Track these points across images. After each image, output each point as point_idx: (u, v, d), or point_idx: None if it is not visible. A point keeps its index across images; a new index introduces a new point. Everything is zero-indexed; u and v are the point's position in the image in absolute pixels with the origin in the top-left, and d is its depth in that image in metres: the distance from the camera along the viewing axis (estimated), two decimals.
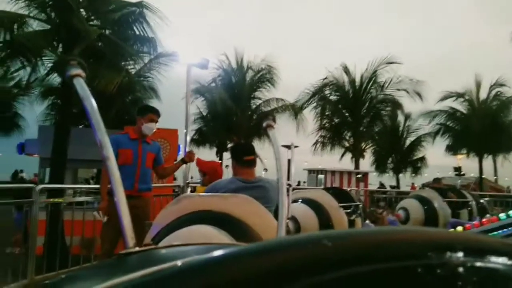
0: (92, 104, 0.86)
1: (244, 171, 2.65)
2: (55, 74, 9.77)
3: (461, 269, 0.40)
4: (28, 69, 9.13)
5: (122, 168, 3.43)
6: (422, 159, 21.83)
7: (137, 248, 0.74)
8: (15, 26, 8.53)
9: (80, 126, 12.35)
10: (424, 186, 17.81)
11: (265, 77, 18.09)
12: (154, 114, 3.79)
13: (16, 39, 8.10)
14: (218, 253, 0.43)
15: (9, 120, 18.69)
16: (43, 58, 9.01)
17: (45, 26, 8.87)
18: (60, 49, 8.73)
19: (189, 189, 4.63)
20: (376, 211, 5.83)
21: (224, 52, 18.20)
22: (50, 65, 9.28)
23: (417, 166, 21.95)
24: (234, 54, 18.31)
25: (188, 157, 3.94)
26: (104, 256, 3.58)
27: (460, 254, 0.41)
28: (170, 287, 0.40)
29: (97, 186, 3.96)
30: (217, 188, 2.54)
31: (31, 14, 8.75)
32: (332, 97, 19.14)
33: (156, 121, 3.81)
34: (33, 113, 16.16)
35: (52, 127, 10.03)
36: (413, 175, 22.42)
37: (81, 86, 0.87)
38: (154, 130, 3.79)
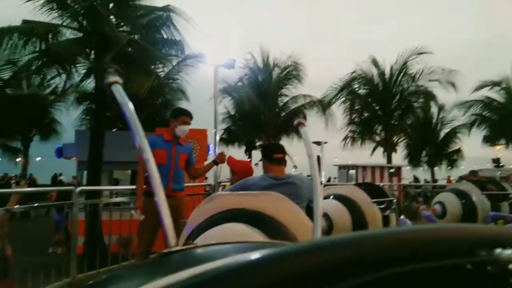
0: (130, 109, 0.89)
1: (274, 168, 2.73)
2: (89, 80, 10.13)
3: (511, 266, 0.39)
4: (63, 76, 9.50)
5: (158, 168, 3.59)
6: (458, 151, 21.07)
7: (178, 247, 0.76)
8: (50, 36, 8.90)
9: (114, 130, 12.74)
10: (460, 179, 17.21)
11: (291, 74, 18.01)
12: (187, 116, 3.91)
13: (51, 48, 8.44)
14: (263, 253, 0.43)
15: (47, 126, 19.54)
16: (77, 65, 9.36)
17: (77, 34, 9.20)
18: (92, 56, 9.02)
19: (220, 188, 4.70)
20: (412, 206, 5.68)
21: (249, 51, 18.26)
22: (83, 71, 9.64)
23: (452, 158, 21.23)
24: (260, 53, 18.35)
25: (220, 159, 4.03)
26: (142, 254, 3.69)
27: (511, 251, 0.40)
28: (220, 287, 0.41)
29: (132, 187, 4.08)
30: (248, 185, 2.61)
31: (64, 23, 9.10)
32: (361, 91, 18.79)
33: (189, 123, 3.92)
34: (69, 118, 16.81)
35: (87, 131, 10.39)
36: (449, 168, 21.70)
37: (119, 92, 0.91)
38: (187, 132, 3.91)
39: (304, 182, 2.76)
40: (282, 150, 2.89)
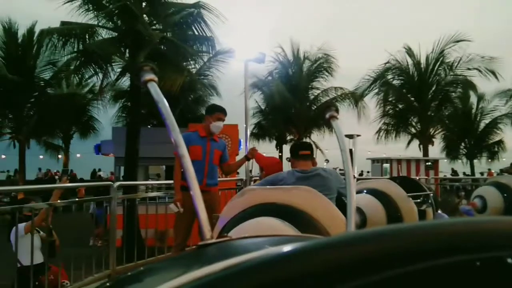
0: (166, 106, 0.92)
1: (300, 163, 2.89)
2: (124, 78, 10.43)
3: None
4: (100, 75, 9.82)
5: (193, 163, 3.66)
6: (499, 142, 20.07)
7: (214, 240, 0.78)
8: (87, 36, 9.23)
9: (148, 126, 13.08)
10: (502, 171, 16.41)
11: (322, 66, 17.75)
12: (221, 113, 3.97)
13: (88, 48, 8.75)
14: (295, 245, 0.44)
15: (86, 124, 20.35)
16: (113, 64, 9.67)
17: (112, 34, 9.49)
18: (127, 55, 9.28)
19: (252, 183, 4.73)
20: (452, 201, 5.48)
21: (279, 45, 18.14)
22: (119, 70, 9.94)
23: (493, 150, 20.25)
24: (290, 46, 18.20)
25: (251, 154, 4.08)
26: (178, 247, 3.78)
27: None
28: (254, 278, 0.41)
29: (167, 182, 4.19)
30: (277, 180, 2.72)
31: (100, 24, 9.41)
32: (395, 82, 18.26)
33: (223, 120, 3.98)
34: (106, 116, 17.43)
35: (124, 128, 10.71)
36: (490, 160, 20.73)
37: (155, 90, 0.93)
38: (221, 128, 3.98)
39: (331, 173, 2.87)
40: (308, 147, 3.09)
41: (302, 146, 3.12)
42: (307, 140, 18.09)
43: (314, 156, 3.33)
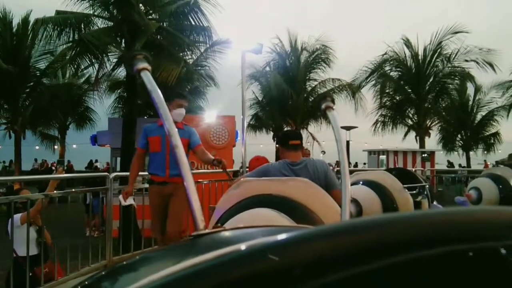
0: (159, 96, 0.91)
1: (290, 154, 2.81)
2: (120, 69, 10.36)
3: None
4: (96, 65, 9.75)
5: (153, 155, 3.60)
6: (495, 134, 20.16)
7: (207, 230, 0.78)
8: (82, 26, 9.14)
9: (145, 117, 13.02)
10: (498, 163, 16.50)
11: (320, 57, 17.67)
12: (181, 99, 3.74)
13: (84, 38, 8.66)
14: (288, 234, 0.44)
15: (82, 114, 20.26)
16: (109, 54, 9.59)
17: (108, 24, 9.39)
18: (123, 45, 9.20)
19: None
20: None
21: (276, 35, 18.04)
22: (115, 60, 9.86)
23: (489, 142, 20.35)
24: (287, 37, 18.10)
25: (218, 161, 3.62)
26: (162, 242, 3.71)
27: None
28: (243, 268, 0.41)
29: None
30: (267, 170, 2.69)
31: (95, 13, 9.31)
32: (393, 73, 18.26)
33: (184, 106, 3.70)
34: (103, 106, 17.33)
35: (120, 119, 10.66)
36: (485, 152, 20.84)
37: (148, 79, 0.92)
38: (183, 115, 3.70)
39: (321, 164, 2.80)
40: (298, 136, 2.98)
41: (292, 136, 2.97)
42: (304, 131, 18.11)
43: (311, 148, 3.31)
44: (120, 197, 3.64)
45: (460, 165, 19.98)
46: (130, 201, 3.58)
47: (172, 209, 3.60)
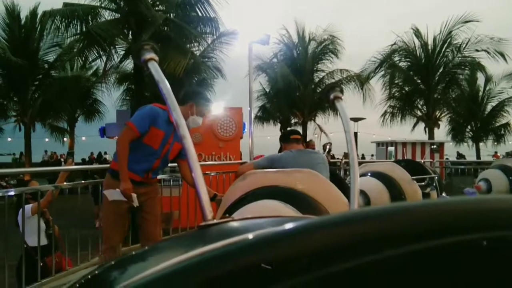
0: (166, 86, 0.91)
1: (293, 146, 3.05)
2: (128, 61, 10.38)
3: None
4: (104, 57, 9.78)
5: (144, 148, 2.86)
6: (506, 125, 19.91)
7: (215, 221, 0.78)
8: (90, 18, 9.16)
9: None
10: (508, 154, 16.33)
11: (328, 48, 17.53)
12: (207, 107, 3.11)
13: (92, 30, 8.69)
14: (294, 224, 0.44)
15: (90, 107, 20.40)
16: (116, 46, 9.61)
17: (115, 16, 9.40)
18: (130, 37, 9.21)
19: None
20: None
21: (284, 26, 17.90)
22: (122, 52, 9.89)
23: (500, 133, 20.11)
24: (295, 27, 17.95)
25: (212, 194, 2.85)
26: (112, 249, 2.96)
27: None
28: (251, 256, 0.42)
29: (171, 164, 3.64)
30: (274, 159, 2.89)
31: (103, 5, 9.32)
32: (402, 64, 18.05)
33: (205, 115, 3.13)
34: (111, 99, 17.42)
35: (128, 111, 10.72)
36: (496, 143, 20.61)
37: (156, 69, 0.92)
38: (199, 125, 3.12)
39: (320, 154, 3.12)
40: (297, 132, 3.33)
41: (292, 132, 3.38)
42: (312, 123, 18.05)
43: (318, 140, 3.64)
44: (107, 192, 2.87)
45: (464, 157, 19.76)
46: (135, 200, 2.81)
47: (154, 209, 3.04)
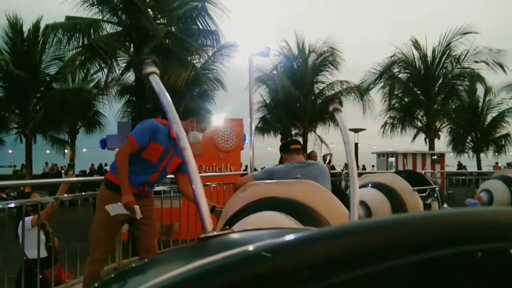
0: (168, 99, 0.92)
1: (293, 157, 2.97)
2: (129, 73, 10.46)
3: None
4: (105, 70, 9.86)
5: (142, 162, 2.87)
6: (506, 136, 19.92)
7: (215, 233, 0.78)
8: (92, 31, 9.26)
9: None
10: (509, 165, 16.30)
11: (327, 60, 17.65)
12: (208, 123, 3.09)
13: (93, 43, 8.78)
14: (294, 236, 0.44)
15: (91, 118, 20.46)
16: (118, 59, 9.69)
17: (117, 29, 9.50)
18: (131, 50, 9.30)
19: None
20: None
21: (284, 38, 18.05)
22: (124, 65, 9.97)
23: (500, 144, 20.11)
24: (295, 39, 18.10)
25: (211, 206, 2.82)
26: (99, 262, 2.95)
27: None
28: (251, 269, 0.42)
29: (171, 176, 3.64)
30: (273, 171, 2.83)
31: (104, 18, 9.43)
32: (401, 75, 18.13)
33: (206, 130, 3.12)
34: (112, 111, 17.47)
35: (129, 123, 10.75)
36: (496, 154, 20.59)
37: (157, 83, 0.93)
38: (199, 140, 3.10)
39: (321, 165, 3.04)
40: (297, 142, 3.26)
41: (292, 142, 3.34)
42: (312, 134, 18.07)
43: (319, 151, 3.53)
44: (109, 207, 2.80)
45: (464, 167, 19.73)
46: (138, 212, 2.80)
47: (152, 221, 3.08)
